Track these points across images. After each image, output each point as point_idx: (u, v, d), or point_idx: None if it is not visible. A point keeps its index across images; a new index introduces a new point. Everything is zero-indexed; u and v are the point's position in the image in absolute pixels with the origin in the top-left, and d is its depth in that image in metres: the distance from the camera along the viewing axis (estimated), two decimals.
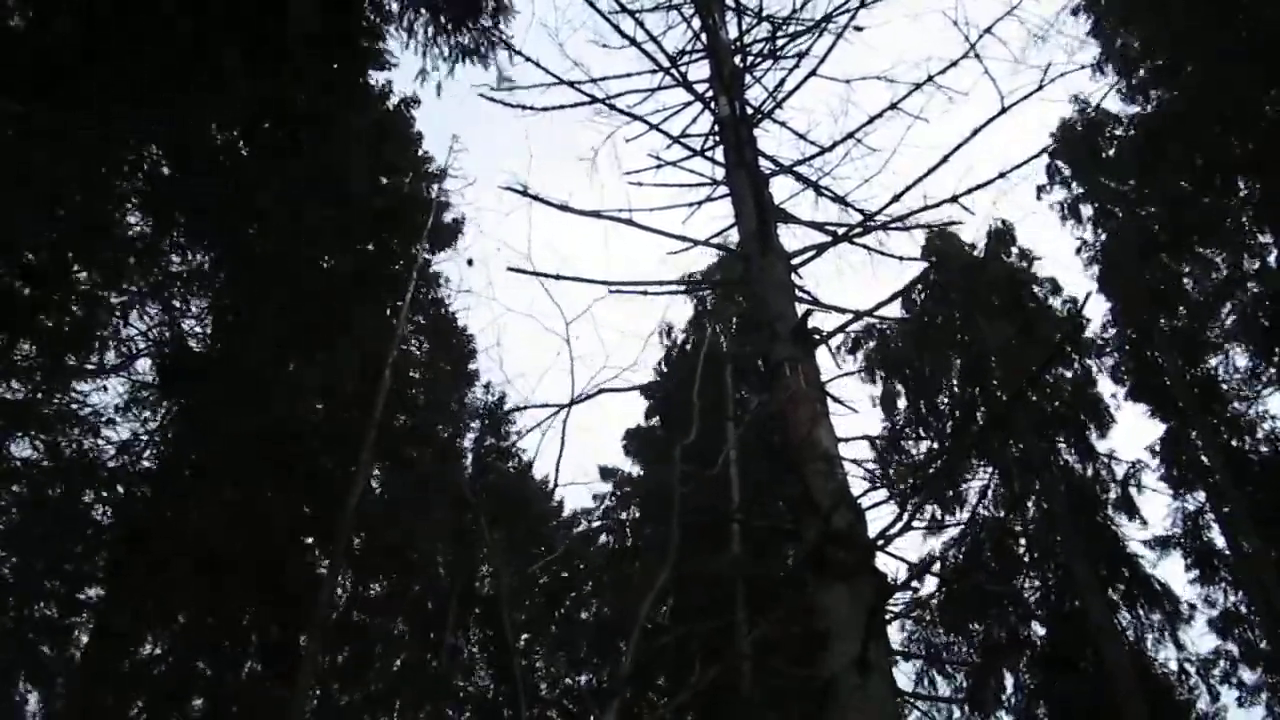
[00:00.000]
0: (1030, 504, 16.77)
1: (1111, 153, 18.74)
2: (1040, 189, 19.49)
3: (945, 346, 18.78)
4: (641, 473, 21.24)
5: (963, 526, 17.32)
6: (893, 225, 6.59)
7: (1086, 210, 19.02)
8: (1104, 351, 18.19)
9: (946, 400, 19.11)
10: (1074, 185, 19.33)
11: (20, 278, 9.90)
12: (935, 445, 18.42)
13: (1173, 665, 15.52)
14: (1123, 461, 17.35)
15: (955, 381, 19.10)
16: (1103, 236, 18.61)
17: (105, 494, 12.17)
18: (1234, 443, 16.11)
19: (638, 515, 20.61)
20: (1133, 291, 16.94)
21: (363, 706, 17.89)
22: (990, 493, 17.47)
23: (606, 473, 21.72)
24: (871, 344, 19.48)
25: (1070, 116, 19.13)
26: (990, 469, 17.41)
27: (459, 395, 20.75)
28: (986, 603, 16.28)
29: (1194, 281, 16.27)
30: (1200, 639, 15.75)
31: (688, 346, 20.87)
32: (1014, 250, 20.02)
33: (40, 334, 10.64)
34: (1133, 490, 16.86)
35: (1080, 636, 14.87)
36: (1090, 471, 17.43)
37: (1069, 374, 18.31)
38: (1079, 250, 18.96)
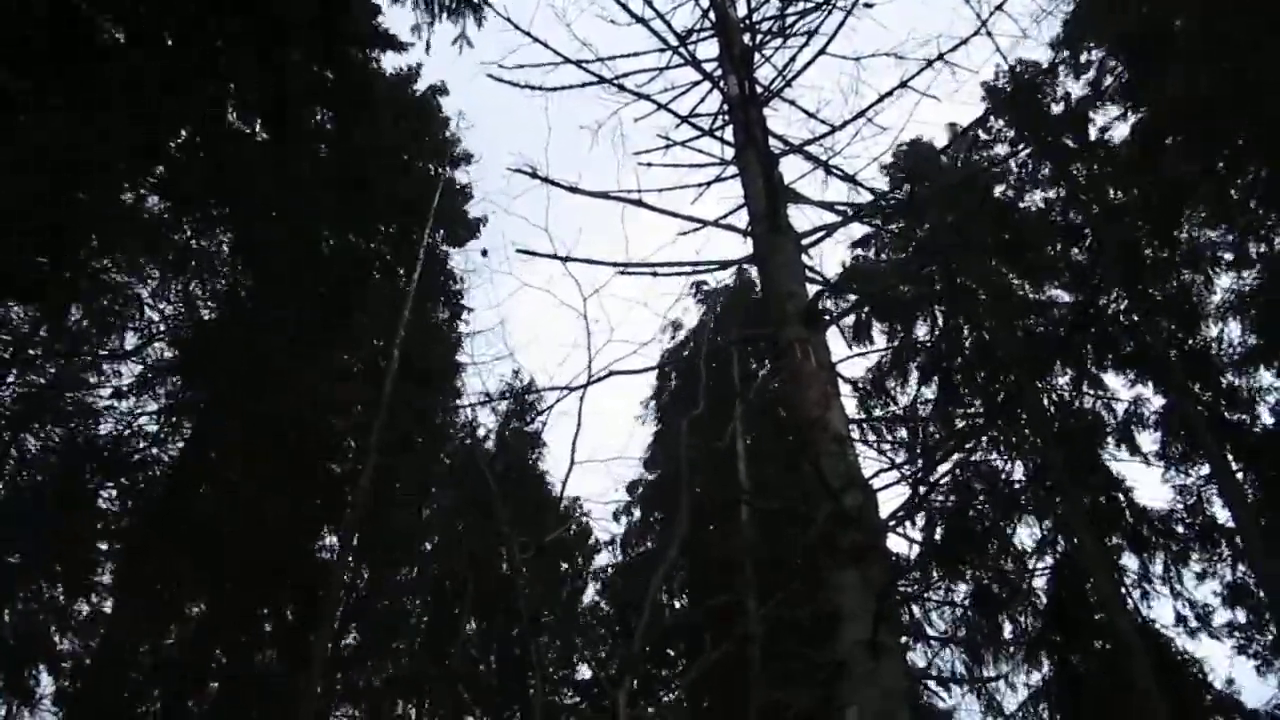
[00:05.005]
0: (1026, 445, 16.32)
1: (1059, 109, 17.46)
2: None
3: (926, 275, 17.49)
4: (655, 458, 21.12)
5: (954, 467, 16.78)
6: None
7: (1044, 170, 17.73)
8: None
9: (929, 333, 18.14)
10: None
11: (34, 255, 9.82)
12: (920, 388, 17.83)
13: (1170, 615, 15.33)
14: (1122, 400, 16.89)
15: (940, 310, 18.30)
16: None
17: (121, 482, 12.20)
18: (1230, 416, 15.80)
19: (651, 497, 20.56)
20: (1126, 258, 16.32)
21: (382, 693, 17.90)
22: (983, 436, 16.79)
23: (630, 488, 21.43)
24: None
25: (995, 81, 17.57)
26: (982, 408, 16.83)
27: (461, 380, 20.69)
28: (980, 552, 15.89)
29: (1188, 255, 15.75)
30: (1197, 588, 15.62)
31: (690, 343, 20.73)
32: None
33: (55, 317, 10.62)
34: (1133, 429, 16.53)
35: (1082, 595, 14.73)
36: (1091, 405, 16.90)
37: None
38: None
